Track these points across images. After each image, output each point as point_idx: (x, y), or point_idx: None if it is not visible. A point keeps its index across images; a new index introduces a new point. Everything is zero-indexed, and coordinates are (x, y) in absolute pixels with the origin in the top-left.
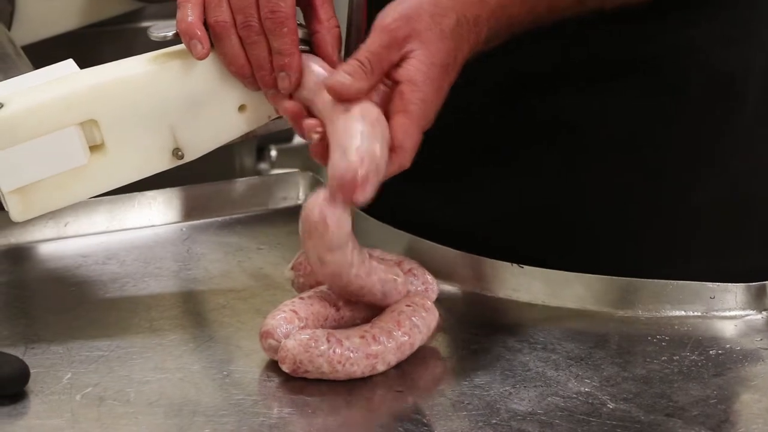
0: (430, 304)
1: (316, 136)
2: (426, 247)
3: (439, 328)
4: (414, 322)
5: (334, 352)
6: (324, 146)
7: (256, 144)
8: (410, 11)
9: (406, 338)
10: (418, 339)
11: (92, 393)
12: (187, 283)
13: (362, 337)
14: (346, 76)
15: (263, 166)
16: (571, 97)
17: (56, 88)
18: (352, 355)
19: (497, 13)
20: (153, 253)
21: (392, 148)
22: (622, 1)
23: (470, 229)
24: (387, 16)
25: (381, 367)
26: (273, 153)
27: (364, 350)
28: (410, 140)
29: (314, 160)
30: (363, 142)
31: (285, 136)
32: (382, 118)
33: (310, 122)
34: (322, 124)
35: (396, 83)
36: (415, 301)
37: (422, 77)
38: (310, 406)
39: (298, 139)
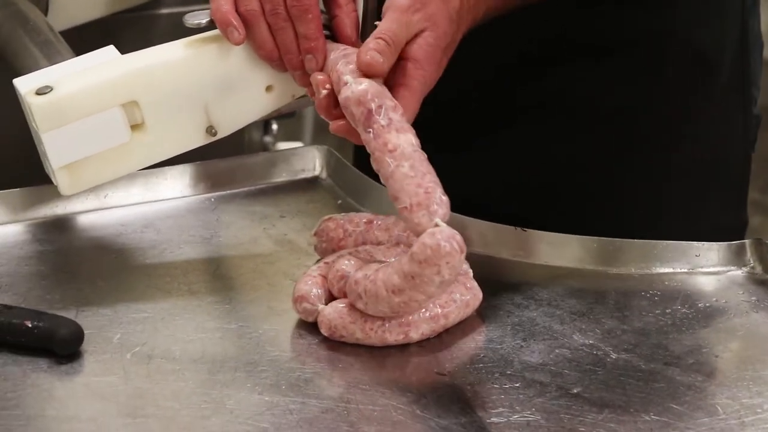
0: (472, 283)
1: (324, 92)
2: None
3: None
4: (452, 297)
5: (366, 321)
6: (329, 101)
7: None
8: None
9: (439, 310)
10: (454, 314)
11: (141, 351)
12: (219, 249)
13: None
14: (377, 54)
15: (268, 139)
16: (561, 76)
17: (100, 72)
18: (386, 324)
19: None
20: (186, 221)
21: None
22: None
23: (475, 198)
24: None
25: (415, 336)
26: (275, 127)
27: (398, 319)
28: (410, 110)
29: (304, 130)
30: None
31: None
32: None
33: (320, 77)
34: (330, 81)
35: (401, 58)
36: (458, 278)
37: (425, 56)
38: (342, 362)
39: (297, 115)
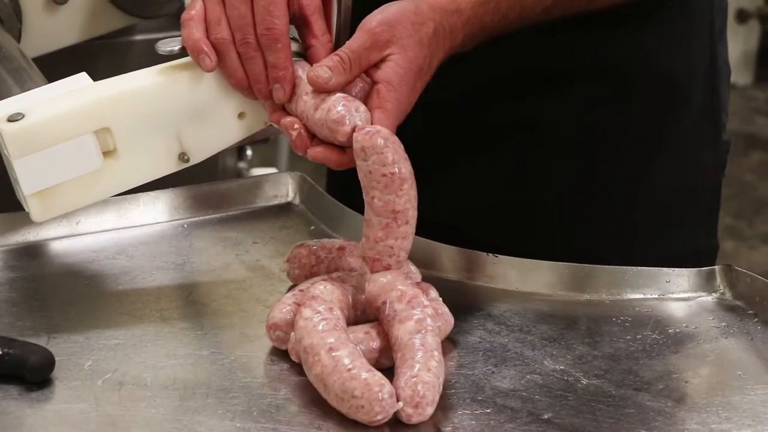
0: (443, 308)
1: (294, 133)
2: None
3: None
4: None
5: None
6: (303, 140)
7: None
8: (393, 18)
9: None
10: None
11: (112, 378)
12: (192, 275)
13: (367, 333)
14: (326, 70)
15: (242, 165)
16: (532, 102)
17: (72, 99)
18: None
19: (471, 21)
20: (159, 247)
21: None
22: (583, 11)
23: (445, 222)
24: (372, 20)
25: (386, 362)
26: (249, 153)
27: (367, 346)
28: None
29: (280, 157)
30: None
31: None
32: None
33: (287, 120)
34: (299, 122)
35: (374, 82)
36: (430, 304)
37: (398, 79)
38: (314, 389)
39: (271, 141)
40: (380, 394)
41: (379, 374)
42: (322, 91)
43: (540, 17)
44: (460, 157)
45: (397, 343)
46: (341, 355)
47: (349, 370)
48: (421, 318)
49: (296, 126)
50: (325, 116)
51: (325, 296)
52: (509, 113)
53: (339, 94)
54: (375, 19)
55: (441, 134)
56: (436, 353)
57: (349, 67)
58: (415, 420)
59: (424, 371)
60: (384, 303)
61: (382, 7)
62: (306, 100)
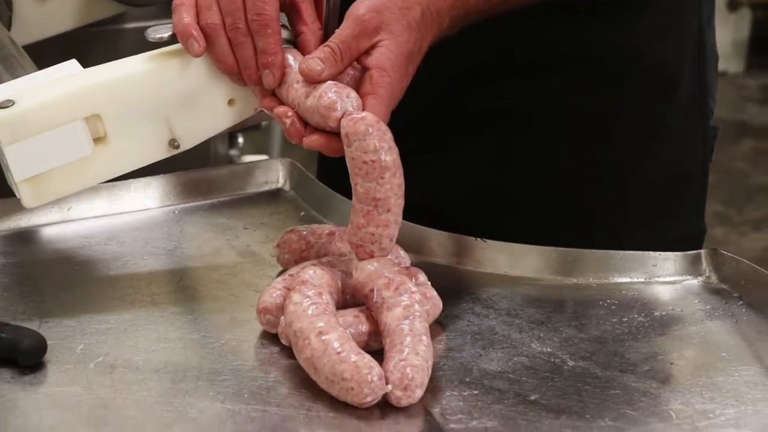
0: (432, 292)
1: (287, 121)
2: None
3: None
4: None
5: None
6: (296, 128)
7: (228, 132)
8: (380, 4)
9: None
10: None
11: (104, 362)
12: (183, 261)
13: (356, 316)
14: (318, 62)
15: (233, 152)
16: (521, 88)
17: (62, 86)
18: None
19: (457, 4)
20: (150, 233)
21: None
22: None
23: (435, 207)
24: (360, 7)
25: (375, 345)
26: (240, 140)
27: (356, 329)
28: (379, 118)
29: (272, 144)
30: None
31: (251, 125)
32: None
33: (280, 110)
34: (292, 110)
35: (366, 69)
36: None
37: (390, 64)
38: (303, 371)
39: (263, 128)
40: (369, 377)
41: (368, 357)
42: (314, 82)
43: (526, 1)
44: (447, 141)
45: (386, 330)
46: (331, 339)
47: (339, 353)
48: (408, 304)
49: (289, 114)
50: (316, 103)
51: (315, 281)
52: (496, 98)
53: (330, 81)
54: (362, 5)
55: (428, 119)
56: (424, 338)
57: (341, 57)
58: (404, 402)
59: (413, 355)
60: (372, 291)
61: None
62: (297, 88)
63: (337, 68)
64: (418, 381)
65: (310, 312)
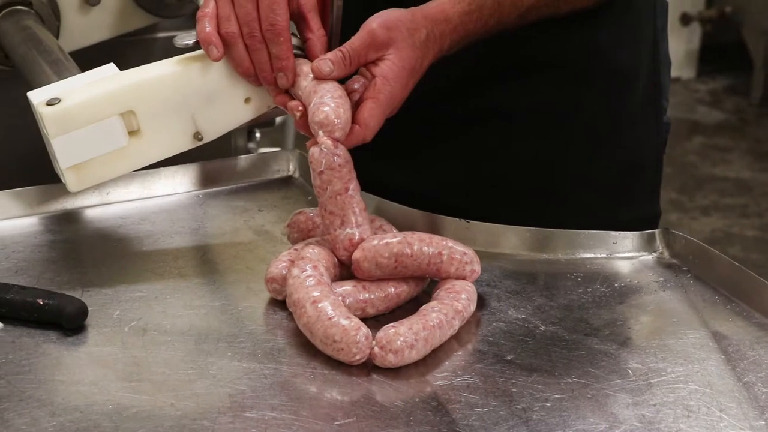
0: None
1: (298, 114)
2: (391, 207)
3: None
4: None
5: None
6: (305, 121)
7: (247, 128)
8: (392, 23)
9: (392, 289)
10: (406, 292)
11: (137, 325)
12: (205, 238)
13: (354, 285)
14: (329, 63)
15: (251, 145)
16: (503, 89)
17: (102, 85)
18: (346, 302)
19: (458, 28)
20: (177, 214)
21: (359, 123)
22: (552, 15)
23: (426, 194)
24: (374, 22)
25: (371, 311)
26: (258, 135)
27: (355, 297)
28: (374, 120)
29: (287, 138)
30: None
31: (267, 122)
32: (345, 93)
33: (292, 103)
34: (303, 105)
35: (373, 77)
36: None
37: (393, 75)
38: None
39: (276, 124)
40: (357, 337)
41: (356, 320)
42: (323, 79)
43: (516, 22)
44: (438, 136)
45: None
46: (324, 306)
47: (330, 318)
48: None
49: (300, 108)
50: (311, 114)
51: (312, 257)
52: (482, 100)
53: (330, 89)
54: (376, 21)
55: (423, 118)
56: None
57: (349, 62)
58: (390, 362)
59: (405, 327)
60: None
61: (383, 11)
62: (300, 94)
63: (344, 71)
64: (401, 344)
65: (307, 284)
